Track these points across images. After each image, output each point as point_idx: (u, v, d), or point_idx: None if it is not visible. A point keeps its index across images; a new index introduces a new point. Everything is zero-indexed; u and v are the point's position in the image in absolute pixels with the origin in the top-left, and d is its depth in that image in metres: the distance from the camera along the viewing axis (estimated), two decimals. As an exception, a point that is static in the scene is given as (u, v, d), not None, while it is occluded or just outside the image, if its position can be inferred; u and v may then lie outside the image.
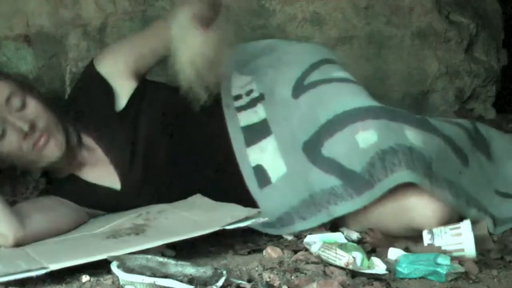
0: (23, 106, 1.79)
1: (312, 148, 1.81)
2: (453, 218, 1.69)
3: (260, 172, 1.88)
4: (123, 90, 1.96)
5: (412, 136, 1.76)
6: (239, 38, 2.59)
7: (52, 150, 1.81)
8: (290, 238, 1.76)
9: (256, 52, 2.13)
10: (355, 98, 1.85)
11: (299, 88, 1.93)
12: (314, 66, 1.99)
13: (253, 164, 1.89)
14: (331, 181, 1.74)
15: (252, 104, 1.98)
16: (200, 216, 1.69)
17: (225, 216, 1.62)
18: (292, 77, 1.96)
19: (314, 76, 1.94)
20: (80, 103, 1.97)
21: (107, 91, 1.95)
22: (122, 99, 1.95)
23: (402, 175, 1.66)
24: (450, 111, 2.82)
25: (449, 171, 1.80)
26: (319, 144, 1.80)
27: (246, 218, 1.60)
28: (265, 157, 1.88)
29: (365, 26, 2.72)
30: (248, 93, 2.01)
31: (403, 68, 2.77)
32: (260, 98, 1.98)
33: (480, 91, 2.90)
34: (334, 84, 1.91)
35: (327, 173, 1.75)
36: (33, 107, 1.81)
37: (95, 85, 1.97)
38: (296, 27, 2.66)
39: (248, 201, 1.84)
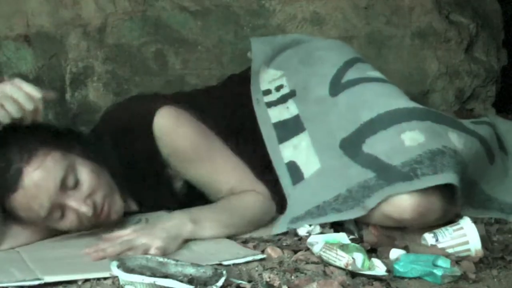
0: (77, 182, 1.64)
1: (352, 144, 1.80)
2: (432, 213, 1.69)
3: (293, 169, 1.86)
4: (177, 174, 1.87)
5: (455, 138, 1.79)
6: (239, 38, 2.60)
7: (112, 217, 1.71)
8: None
9: (282, 46, 2.09)
10: (398, 99, 1.85)
11: (337, 86, 1.91)
12: (348, 64, 1.97)
13: (286, 161, 1.87)
14: (367, 174, 1.73)
15: (282, 100, 1.96)
16: (198, 245, 1.65)
17: (224, 253, 1.60)
18: (327, 75, 1.94)
19: (351, 75, 1.93)
20: (129, 160, 1.81)
21: (163, 166, 1.84)
22: (177, 181, 1.88)
23: (450, 177, 1.67)
24: (450, 111, 2.82)
25: (478, 171, 1.85)
26: (360, 141, 1.78)
27: (245, 256, 1.58)
28: (298, 153, 1.87)
29: (365, 26, 2.72)
30: (278, 88, 1.98)
31: (403, 68, 2.77)
32: (291, 94, 1.96)
33: (480, 91, 2.90)
34: (374, 84, 1.91)
35: (364, 167, 1.74)
36: (87, 180, 1.65)
37: (150, 151, 1.82)
38: (296, 27, 2.66)
39: (283, 196, 1.86)
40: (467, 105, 2.90)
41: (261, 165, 1.90)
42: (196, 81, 2.57)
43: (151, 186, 1.84)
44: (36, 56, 2.42)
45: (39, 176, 1.59)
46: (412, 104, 1.83)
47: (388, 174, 1.70)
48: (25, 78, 2.40)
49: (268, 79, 2.00)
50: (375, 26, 2.73)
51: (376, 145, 1.76)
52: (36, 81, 2.41)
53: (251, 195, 1.80)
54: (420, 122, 1.77)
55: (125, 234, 1.58)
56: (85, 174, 1.65)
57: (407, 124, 1.76)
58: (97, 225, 1.72)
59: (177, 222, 1.62)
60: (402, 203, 1.67)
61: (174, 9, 2.55)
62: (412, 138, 1.74)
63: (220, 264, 1.52)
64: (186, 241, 1.64)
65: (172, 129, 1.79)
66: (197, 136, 1.82)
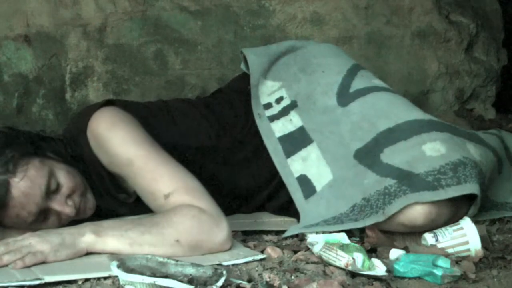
0: (58, 185, 1.65)
1: (368, 154, 1.79)
2: (442, 218, 1.70)
3: (305, 183, 1.83)
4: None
5: (473, 150, 1.81)
6: (239, 38, 2.61)
7: (88, 213, 1.72)
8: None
9: (278, 55, 2.04)
10: (413, 110, 1.86)
11: (346, 96, 1.89)
12: (352, 72, 1.95)
13: (297, 175, 1.84)
14: (386, 181, 1.72)
15: (284, 112, 1.92)
16: None
17: (224, 253, 1.59)
18: (332, 83, 1.92)
19: (358, 84, 1.91)
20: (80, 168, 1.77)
21: (108, 173, 1.76)
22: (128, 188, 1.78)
23: (473, 187, 1.70)
24: (450, 111, 2.82)
25: (489, 181, 1.87)
26: (377, 150, 1.78)
27: (245, 257, 1.58)
28: (308, 166, 1.84)
29: (365, 26, 2.72)
30: (278, 100, 1.94)
31: (403, 68, 2.77)
32: (293, 106, 1.92)
33: (480, 91, 2.90)
34: (385, 93, 1.90)
35: (383, 176, 1.73)
36: (66, 182, 1.66)
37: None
38: (296, 27, 2.66)
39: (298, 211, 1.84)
40: (467, 105, 2.90)
41: (272, 183, 1.90)
42: (196, 81, 2.58)
43: (98, 195, 1.78)
44: (36, 56, 2.42)
45: (25, 186, 1.60)
46: (428, 116, 1.84)
47: (411, 181, 1.69)
48: (25, 78, 2.41)
49: (267, 92, 1.96)
50: (375, 26, 2.73)
51: (396, 156, 1.75)
52: (36, 81, 2.42)
53: (186, 212, 1.58)
54: (440, 133, 1.78)
55: (20, 238, 1.55)
56: (63, 176, 1.67)
57: (427, 135, 1.77)
58: (73, 221, 1.72)
59: (76, 231, 1.55)
60: (414, 211, 1.67)
61: (174, 9, 2.55)
62: (433, 148, 1.74)
63: (220, 264, 1.52)
64: None
65: (103, 132, 1.68)
66: (132, 140, 1.67)
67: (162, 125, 1.82)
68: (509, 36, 3.09)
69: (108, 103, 1.75)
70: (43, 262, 1.50)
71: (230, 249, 1.60)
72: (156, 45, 2.53)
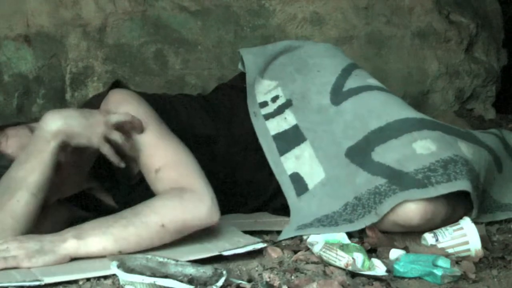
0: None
1: (359, 152, 1.80)
2: (438, 218, 1.70)
3: (297, 180, 1.85)
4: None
5: (464, 148, 1.80)
6: (239, 38, 2.61)
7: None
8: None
9: (274, 55, 2.06)
10: (405, 109, 1.86)
11: (339, 95, 1.90)
12: (346, 72, 1.96)
13: (290, 173, 1.86)
14: (377, 180, 1.73)
15: (280, 110, 1.93)
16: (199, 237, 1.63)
17: (224, 242, 1.59)
18: (326, 83, 1.93)
19: (352, 83, 1.92)
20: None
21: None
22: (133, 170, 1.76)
23: (464, 184, 1.70)
24: (450, 111, 2.82)
25: (487, 180, 1.87)
26: (368, 149, 1.78)
27: (245, 245, 1.58)
28: (301, 164, 1.85)
29: (365, 26, 2.73)
30: (274, 99, 1.96)
31: (403, 68, 2.77)
32: (288, 104, 1.94)
33: (480, 91, 2.90)
34: (378, 92, 1.90)
35: (374, 175, 1.74)
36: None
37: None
38: (296, 27, 2.66)
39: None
40: (467, 105, 2.90)
41: (265, 179, 1.90)
42: (196, 81, 2.58)
43: (110, 179, 1.78)
44: (36, 56, 2.42)
45: (13, 134, 1.65)
46: (420, 115, 1.84)
47: (401, 180, 1.70)
48: (25, 78, 2.41)
49: (263, 91, 1.97)
50: (375, 26, 2.73)
51: (387, 154, 1.76)
52: (36, 81, 2.42)
53: (167, 195, 1.56)
54: (431, 132, 1.78)
55: (0, 242, 1.52)
56: None
57: (418, 133, 1.77)
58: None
59: (58, 238, 1.51)
60: (410, 211, 1.68)
61: (174, 9, 2.55)
62: (423, 146, 1.75)
63: (221, 254, 1.52)
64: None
65: (119, 103, 1.68)
66: (143, 112, 1.68)
67: (163, 112, 1.82)
68: (509, 36, 3.09)
69: (113, 84, 1.78)
70: (15, 267, 1.47)
71: (227, 237, 1.58)
72: (156, 45, 2.53)
